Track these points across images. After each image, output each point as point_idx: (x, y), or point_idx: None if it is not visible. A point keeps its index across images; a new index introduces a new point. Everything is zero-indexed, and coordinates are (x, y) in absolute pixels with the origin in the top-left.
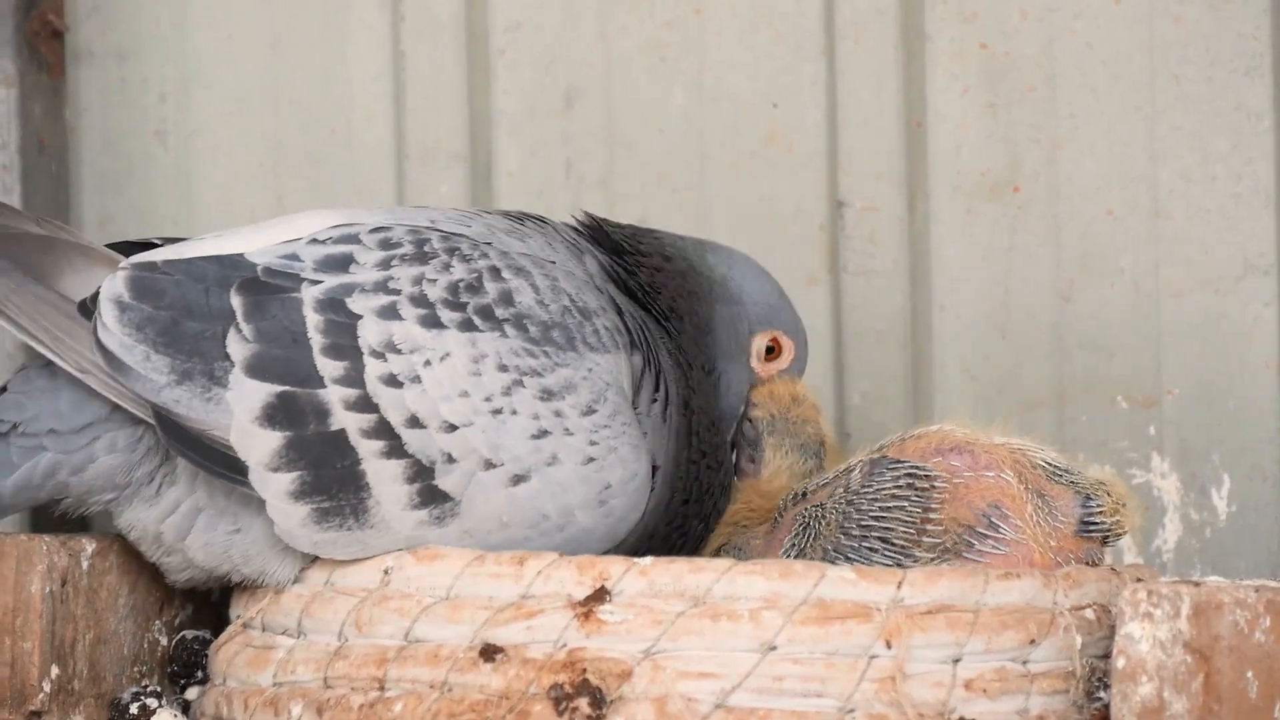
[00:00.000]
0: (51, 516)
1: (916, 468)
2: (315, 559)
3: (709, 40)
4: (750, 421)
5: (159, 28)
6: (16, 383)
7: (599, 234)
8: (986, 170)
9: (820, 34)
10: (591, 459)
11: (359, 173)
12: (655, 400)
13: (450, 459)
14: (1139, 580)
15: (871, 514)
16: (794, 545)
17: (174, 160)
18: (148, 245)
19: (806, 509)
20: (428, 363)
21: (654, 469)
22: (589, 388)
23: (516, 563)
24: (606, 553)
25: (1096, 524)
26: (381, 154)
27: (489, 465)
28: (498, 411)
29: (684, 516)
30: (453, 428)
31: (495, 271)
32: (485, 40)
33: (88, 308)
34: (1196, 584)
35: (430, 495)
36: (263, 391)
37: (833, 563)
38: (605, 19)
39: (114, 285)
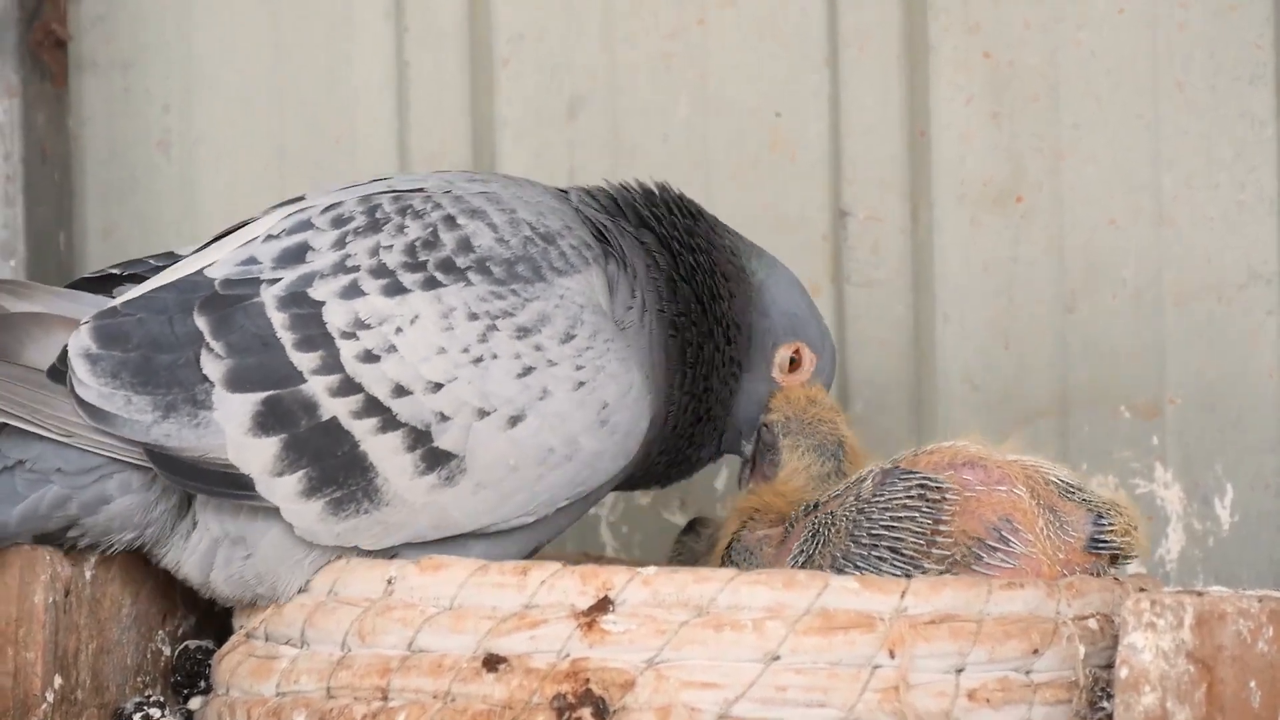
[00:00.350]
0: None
1: (928, 479)
2: (319, 570)
3: (713, 49)
4: (766, 426)
5: (162, 37)
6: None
7: (674, 203)
8: (990, 180)
9: (824, 43)
10: (581, 383)
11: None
12: (630, 307)
13: (443, 417)
14: (1142, 590)
15: (882, 523)
16: (803, 552)
17: (178, 170)
18: (107, 277)
19: (818, 517)
20: (399, 330)
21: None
22: (563, 314)
23: (520, 572)
24: (622, 469)
25: (1107, 542)
26: (385, 163)
27: (482, 414)
28: (478, 360)
29: (691, 436)
30: (438, 386)
31: (450, 220)
32: (489, 49)
33: (58, 370)
34: (1199, 594)
35: (434, 458)
36: (248, 402)
37: (841, 571)
38: (609, 28)
39: (80, 340)
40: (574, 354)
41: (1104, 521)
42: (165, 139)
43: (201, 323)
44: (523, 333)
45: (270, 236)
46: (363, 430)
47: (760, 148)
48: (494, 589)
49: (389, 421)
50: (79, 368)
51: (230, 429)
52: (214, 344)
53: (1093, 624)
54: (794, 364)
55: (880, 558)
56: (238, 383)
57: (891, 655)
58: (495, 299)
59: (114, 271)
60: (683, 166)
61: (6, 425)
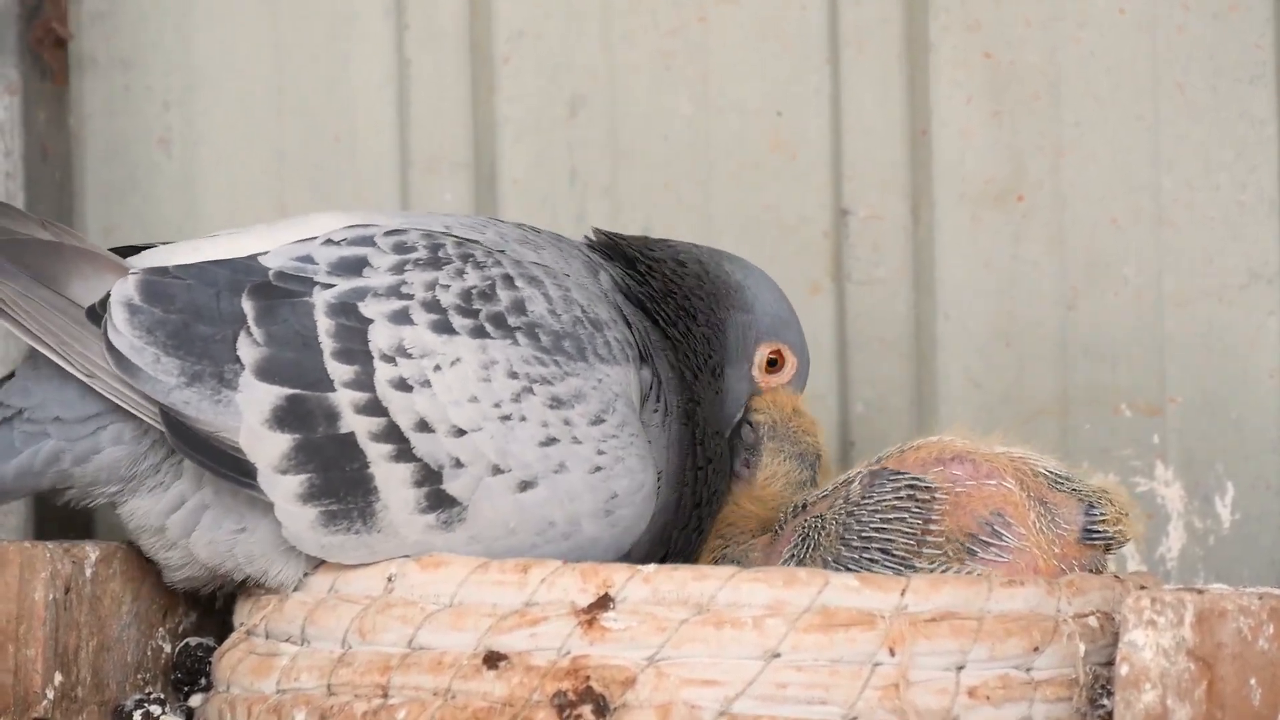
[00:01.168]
0: (55, 508)
1: (917, 479)
2: (320, 563)
3: (713, 49)
4: (750, 425)
5: (163, 36)
6: (24, 369)
7: (610, 247)
8: (990, 179)
9: (824, 43)
10: (599, 468)
11: (363, 181)
12: (656, 410)
13: (458, 464)
14: (1142, 588)
15: (872, 525)
16: (793, 556)
17: (178, 168)
18: (145, 248)
19: (807, 520)
20: (438, 367)
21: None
22: (598, 398)
23: (520, 570)
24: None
25: (1100, 531)
26: (385, 162)
27: (497, 471)
28: (507, 418)
29: (698, 519)
30: (461, 432)
31: (509, 280)
32: (489, 48)
33: (96, 312)
34: (1200, 591)
35: (438, 500)
36: (272, 394)
37: None
38: (610, 27)
39: (125, 289)
40: (599, 438)
41: (1095, 511)
42: (166, 137)
43: (248, 306)
44: (556, 403)
45: (330, 241)
46: (376, 453)
47: (761, 147)
48: (494, 586)
49: (404, 453)
50: (117, 315)
51: (249, 414)
52: (255, 329)
53: (1093, 621)
54: (774, 365)
55: (871, 559)
56: (268, 372)
57: (892, 653)
58: (538, 364)
59: (156, 245)
60: (683, 165)
61: (11, 377)
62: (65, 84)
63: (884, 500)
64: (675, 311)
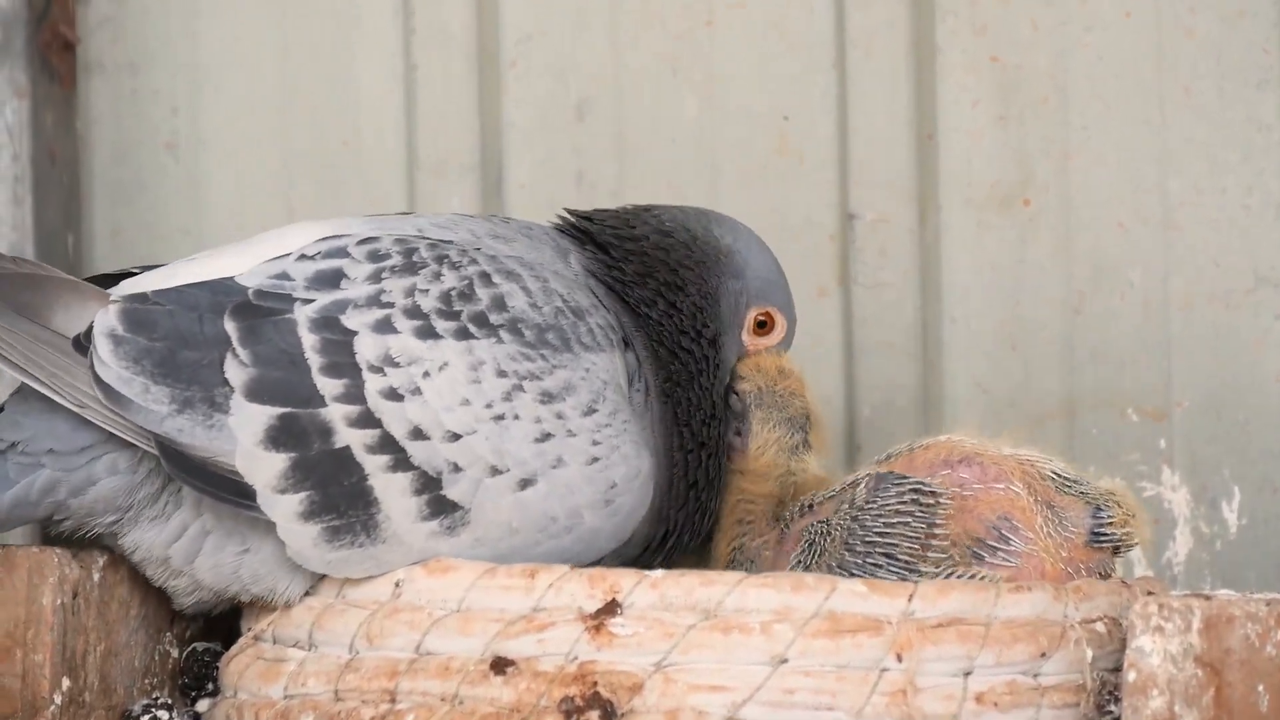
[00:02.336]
0: (51, 537)
1: (921, 484)
2: (323, 577)
3: (720, 52)
4: (736, 395)
5: (170, 39)
6: (13, 403)
7: (583, 230)
8: (997, 182)
9: (831, 46)
10: (596, 459)
11: (370, 184)
12: (638, 390)
13: (456, 468)
14: (1150, 593)
15: (876, 530)
16: (799, 563)
17: (185, 171)
18: (125, 275)
19: (813, 524)
20: (426, 374)
21: None
22: (588, 388)
23: (527, 575)
24: (615, 550)
25: (1107, 534)
26: (392, 165)
27: (495, 471)
28: (500, 418)
29: (697, 498)
30: (456, 436)
31: (486, 277)
32: (496, 51)
33: (82, 343)
34: (1207, 597)
35: (439, 505)
36: (264, 414)
37: None
38: (617, 30)
39: (107, 319)
40: (593, 428)
41: (1103, 514)
42: (173, 140)
43: (231, 327)
44: (547, 398)
45: (304, 256)
46: (374, 465)
47: (768, 150)
48: (501, 592)
49: (401, 462)
50: (102, 346)
51: (242, 437)
52: (240, 351)
53: (1100, 627)
54: (763, 326)
55: (875, 564)
56: (258, 393)
57: (899, 658)
58: (524, 360)
59: (133, 271)
60: (690, 169)
61: (2, 408)
62: (73, 87)
63: (888, 505)
64: (655, 291)
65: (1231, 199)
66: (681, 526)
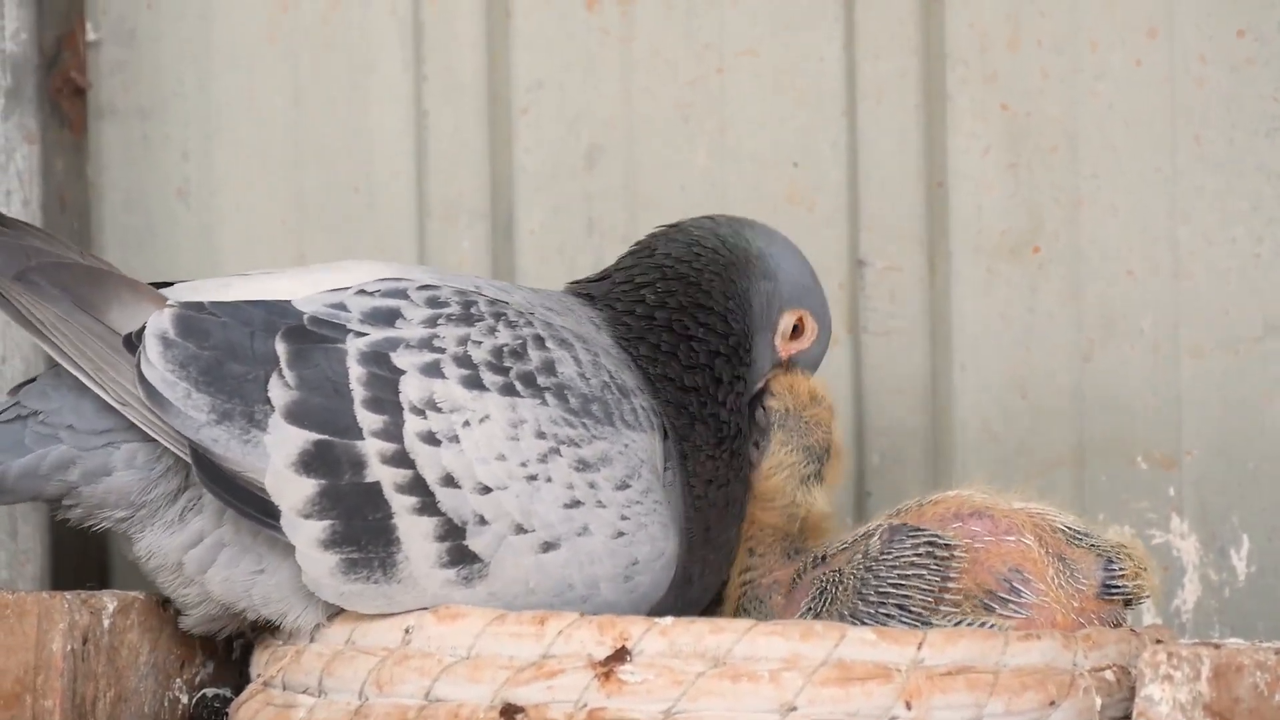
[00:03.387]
0: (72, 555)
1: (936, 536)
2: (338, 611)
3: (731, 100)
4: (764, 409)
5: (182, 85)
6: (47, 376)
7: (602, 295)
8: (1007, 230)
9: (841, 94)
10: (621, 533)
11: (381, 231)
12: (667, 469)
13: (482, 520)
14: (1159, 642)
15: (890, 581)
16: (810, 610)
17: (196, 218)
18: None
19: (825, 574)
20: (467, 423)
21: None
22: (624, 463)
23: (537, 622)
24: None
25: (1119, 587)
26: (403, 212)
27: (520, 530)
28: (533, 478)
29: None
30: (487, 490)
31: (539, 340)
32: (507, 99)
33: (132, 342)
34: (1216, 646)
35: (460, 555)
36: (301, 438)
37: None
38: (628, 78)
39: (160, 321)
40: (624, 503)
41: (1114, 566)
42: (184, 187)
43: (281, 348)
44: (582, 466)
45: (363, 292)
46: (401, 505)
47: (778, 198)
48: (511, 639)
49: (429, 506)
50: (151, 347)
51: (276, 456)
52: (287, 372)
53: (1109, 675)
54: (796, 332)
55: (888, 614)
56: (298, 416)
57: (909, 706)
58: (566, 425)
59: (187, 281)
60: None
61: (32, 381)
62: (84, 133)
63: (903, 556)
64: (674, 342)
65: (1242, 248)
66: (697, 577)
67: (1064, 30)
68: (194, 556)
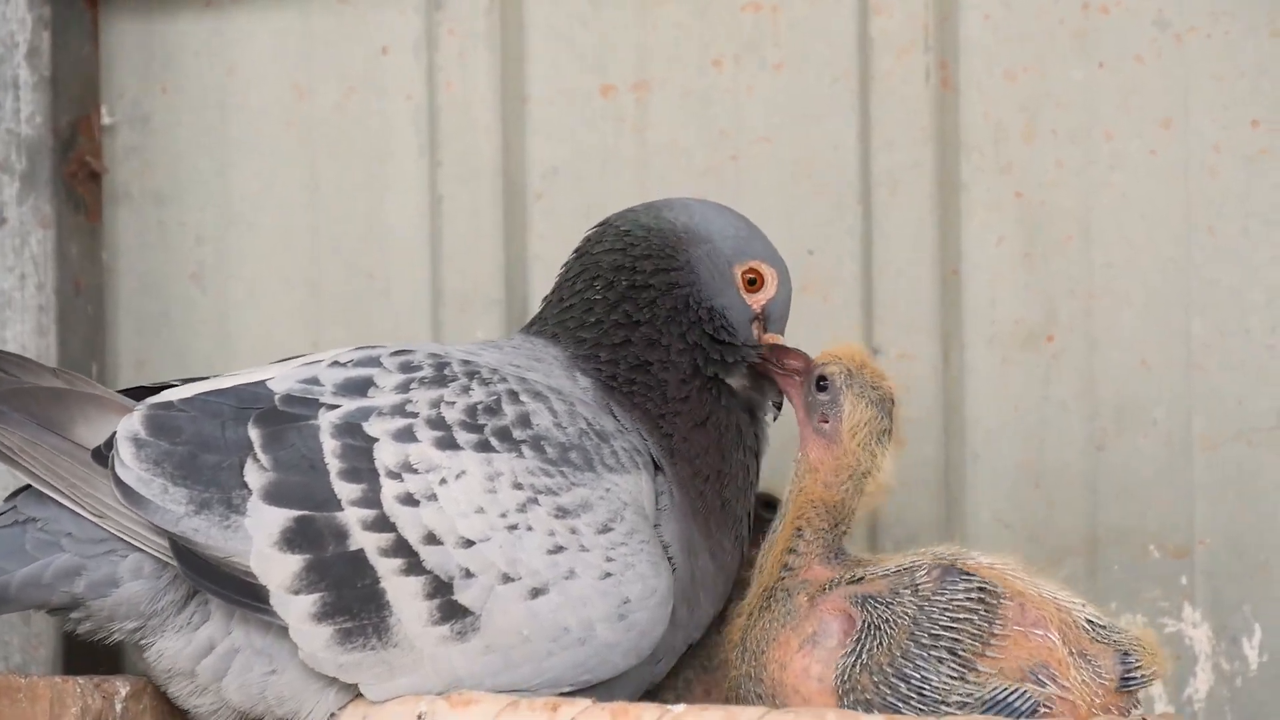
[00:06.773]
0: (70, 635)
1: (988, 584)
2: (350, 700)
3: (746, 188)
4: (824, 379)
5: (199, 171)
6: None
7: (556, 319)
8: (1021, 320)
9: (856, 183)
10: (609, 574)
11: (396, 317)
12: (661, 506)
13: (468, 574)
14: None
15: (942, 623)
16: (859, 645)
17: (211, 303)
18: (164, 388)
19: (873, 611)
20: (443, 481)
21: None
22: (605, 507)
23: (550, 709)
24: (633, 667)
25: (1136, 679)
26: (418, 298)
27: (506, 579)
28: (513, 527)
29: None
30: (469, 543)
31: (514, 395)
32: (522, 185)
33: (102, 453)
34: None
35: (450, 610)
36: (281, 516)
37: (898, 670)
38: (643, 165)
39: (130, 424)
40: (608, 546)
41: (1130, 659)
42: (199, 272)
43: (254, 433)
44: (561, 513)
45: (336, 364)
46: (387, 568)
47: (793, 287)
48: None
49: (414, 566)
50: (124, 450)
51: (258, 538)
52: (262, 456)
53: None
54: (754, 284)
55: (939, 658)
56: (275, 496)
57: None
58: (543, 475)
59: (174, 384)
60: None
61: (27, 488)
62: (99, 218)
63: (955, 599)
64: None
65: (1255, 339)
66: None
67: (1079, 120)
68: (208, 666)
